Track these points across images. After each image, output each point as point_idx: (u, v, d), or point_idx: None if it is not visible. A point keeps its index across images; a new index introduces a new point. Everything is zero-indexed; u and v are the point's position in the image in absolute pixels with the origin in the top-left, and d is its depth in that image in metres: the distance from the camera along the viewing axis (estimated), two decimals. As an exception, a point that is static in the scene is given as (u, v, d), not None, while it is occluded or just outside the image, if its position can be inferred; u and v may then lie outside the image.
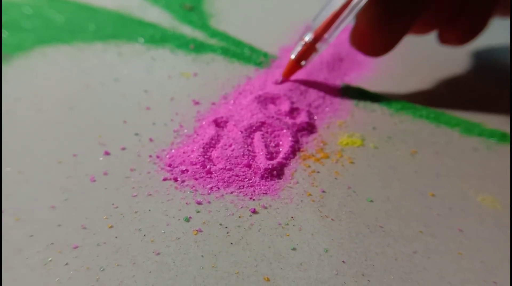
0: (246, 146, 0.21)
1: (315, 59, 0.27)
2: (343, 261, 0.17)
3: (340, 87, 0.28)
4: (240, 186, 0.20)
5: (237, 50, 0.31)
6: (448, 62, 0.33)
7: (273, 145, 0.22)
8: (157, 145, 0.21)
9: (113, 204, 0.18)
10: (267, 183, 0.20)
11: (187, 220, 0.18)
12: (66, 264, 0.16)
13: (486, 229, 0.19)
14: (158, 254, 0.16)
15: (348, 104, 0.27)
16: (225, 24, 0.34)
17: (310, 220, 0.19)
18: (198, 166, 0.20)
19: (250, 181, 0.20)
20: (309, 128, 0.24)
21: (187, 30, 0.33)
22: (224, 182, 0.20)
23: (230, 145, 0.21)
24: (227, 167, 0.20)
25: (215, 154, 0.21)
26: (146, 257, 0.16)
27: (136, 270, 0.16)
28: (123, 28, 0.32)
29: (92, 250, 0.16)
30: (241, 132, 0.22)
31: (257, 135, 0.22)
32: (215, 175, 0.20)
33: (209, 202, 0.19)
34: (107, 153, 0.21)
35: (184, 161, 0.21)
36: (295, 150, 0.22)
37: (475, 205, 0.21)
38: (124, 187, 0.19)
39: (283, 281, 0.16)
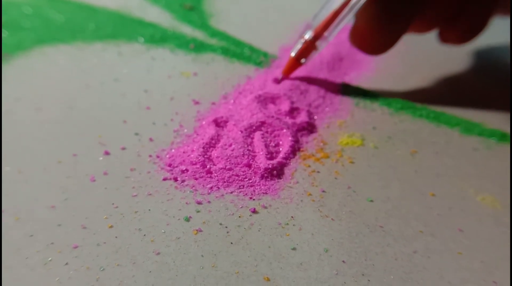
0: (246, 145, 0.21)
1: (315, 57, 0.27)
2: (343, 261, 0.17)
3: (340, 86, 0.28)
4: (240, 186, 0.20)
5: (237, 50, 0.31)
6: (448, 61, 0.33)
7: (273, 144, 0.22)
8: (157, 145, 0.21)
9: (113, 204, 0.18)
10: (267, 183, 0.20)
11: (187, 220, 0.18)
12: (66, 264, 0.16)
13: (486, 229, 0.19)
14: (158, 254, 0.16)
15: (348, 104, 0.27)
16: (225, 23, 0.34)
17: (310, 220, 0.19)
18: (198, 166, 0.20)
19: (250, 181, 0.20)
20: (309, 128, 0.24)
21: (187, 30, 0.33)
22: (224, 182, 0.20)
23: (230, 145, 0.21)
24: (227, 167, 0.20)
25: (215, 154, 0.21)
26: (146, 257, 0.16)
27: (136, 270, 0.16)
28: (123, 27, 0.32)
29: (92, 250, 0.16)
30: (241, 131, 0.22)
31: (257, 135, 0.22)
32: (215, 174, 0.20)
33: (209, 201, 0.19)
34: (107, 153, 0.21)
35: (184, 161, 0.21)
36: (295, 150, 0.22)
37: (475, 205, 0.21)
38: (124, 187, 0.19)
39: (283, 281, 0.16)
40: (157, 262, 0.16)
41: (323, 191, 0.20)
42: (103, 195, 0.19)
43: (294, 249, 0.17)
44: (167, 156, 0.21)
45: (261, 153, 0.21)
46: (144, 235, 0.17)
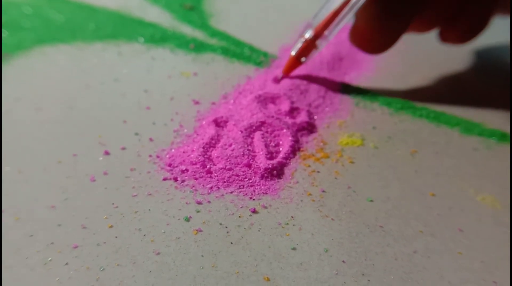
0: (246, 145, 0.21)
1: (315, 56, 0.27)
2: (343, 261, 0.17)
3: (340, 86, 0.28)
4: (240, 186, 0.20)
5: (237, 50, 0.31)
6: (448, 61, 0.33)
7: (273, 144, 0.22)
8: (157, 145, 0.21)
9: (113, 204, 0.18)
10: (267, 183, 0.20)
11: (187, 219, 0.18)
12: (66, 264, 0.16)
13: (486, 229, 0.19)
14: (158, 254, 0.16)
15: (348, 104, 0.27)
16: (225, 23, 0.34)
17: (310, 219, 0.19)
18: (198, 166, 0.20)
19: (250, 181, 0.20)
20: (309, 127, 0.24)
21: (187, 30, 0.33)
22: (224, 182, 0.20)
23: (230, 145, 0.21)
24: (227, 167, 0.20)
25: (215, 154, 0.21)
26: (146, 257, 0.16)
27: (136, 270, 0.16)
28: (123, 27, 0.32)
29: (92, 250, 0.16)
30: (241, 131, 0.22)
31: (257, 135, 0.22)
32: (215, 174, 0.20)
33: (209, 201, 0.19)
34: (107, 153, 0.21)
35: (184, 160, 0.21)
36: (295, 149, 0.22)
37: (475, 205, 0.21)
38: (124, 187, 0.19)
39: (283, 281, 0.16)
40: (157, 262, 0.16)
41: (323, 191, 0.20)
42: (103, 195, 0.19)
43: (294, 249, 0.17)
44: (167, 156, 0.21)
45: (261, 153, 0.21)
46: (144, 235, 0.17)
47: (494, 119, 0.27)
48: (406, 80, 0.30)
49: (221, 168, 0.20)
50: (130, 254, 0.16)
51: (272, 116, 0.23)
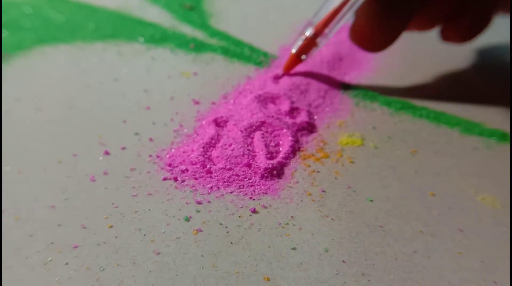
0: (246, 145, 0.21)
1: (315, 53, 0.27)
2: (343, 261, 0.17)
3: (340, 86, 0.28)
4: (240, 186, 0.20)
5: (237, 50, 0.31)
6: (447, 61, 0.33)
7: (273, 144, 0.22)
8: (157, 145, 0.21)
9: (113, 203, 0.18)
10: (267, 183, 0.20)
11: (187, 219, 0.18)
12: (66, 264, 0.16)
13: (486, 229, 0.19)
14: (158, 253, 0.16)
15: (348, 104, 0.27)
16: (225, 23, 0.34)
17: (310, 219, 0.19)
18: (198, 166, 0.20)
19: (250, 181, 0.20)
20: (309, 127, 0.24)
21: (187, 30, 0.33)
22: (224, 182, 0.20)
23: (230, 145, 0.21)
24: (227, 167, 0.20)
25: (215, 154, 0.21)
26: (146, 257, 0.16)
27: (136, 270, 0.16)
28: (123, 27, 0.32)
29: (92, 250, 0.16)
30: (241, 131, 0.22)
31: (257, 135, 0.22)
32: (215, 174, 0.20)
33: (209, 201, 0.19)
34: (107, 153, 0.21)
35: (184, 160, 0.21)
36: (295, 149, 0.22)
37: (475, 205, 0.21)
38: (124, 187, 0.19)
39: (283, 281, 0.16)
40: (157, 262, 0.16)
41: (323, 191, 0.20)
42: (103, 195, 0.19)
43: (294, 249, 0.17)
44: (167, 156, 0.21)
45: (261, 153, 0.21)
46: (144, 235, 0.17)
47: (494, 118, 0.27)
48: (406, 80, 0.30)
49: (221, 168, 0.20)
50: (130, 254, 0.16)
51: (272, 116, 0.23)
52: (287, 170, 0.21)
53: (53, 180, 0.19)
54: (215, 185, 0.20)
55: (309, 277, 0.16)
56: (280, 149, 0.22)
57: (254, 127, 0.23)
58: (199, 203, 0.19)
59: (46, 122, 0.22)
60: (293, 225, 0.18)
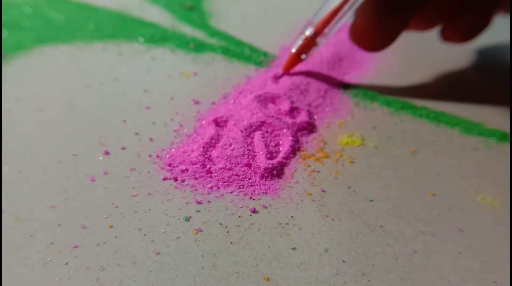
0: (246, 145, 0.21)
1: (315, 53, 0.27)
2: (343, 261, 0.17)
3: (340, 86, 0.28)
4: (240, 186, 0.20)
5: (237, 50, 0.31)
6: (447, 61, 0.33)
7: (273, 144, 0.22)
8: (157, 145, 0.21)
9: (113, 203, 0.18)
10: (267, 183, 0.20)
11: (187, 219, 0.18)
12: (66, 263, 0.16)
13: (486, 229, 0.19)
14: (158, 253, 0.16)
15: (348, 104, 0.27)
16: (225, 23, 0.34)
17: (310, 219, 0.19)
18: (198, 166, 0.20)
19: (250, 181, 0.20)
20: (309, 127, 0.24)
21: (187, 30, 0.33)
22: (224, 182, 0.20)
23: (230, 145, 0.21)
24: (227, 167, 0.20)
25: (215, 154, 0.21)
26: (146, 256, 0.16)
27: (136, 270, 0.16)
28: (123, 27, 0.32)
29: (92, 249, 0.16)
30: (241, 131, 0.22)
31: (257, 135, 0.22)
32: (215, 174, 0.20)
33: (209, 201, 0.19)
34: (107, 153, 0.21)
35: (184, 160, 0.21)
36: (295, 149, 0.22)
37: (475, 205, 0.21)
38: (124, 186, 0.19)
39: (283, 281, 0.16)
40: (157, 262, 0.16)
41: (323, 191, 0.20)
42: (103, 195, 0.19)
43: (294, 249, 0.17)
44: (167, 156, 0.21)
45: (261, 152, 0.21)
46: (144, 235, 0.17)
47: (494, 118, 0.27)
48: (406, 79, 0.30)
49: (221, 168, 0.20)
50: (130, 254, 0.16)
51: (272, 116, 0.23)
52: (287, 170, 0.21)
53: (53, 180, 0.19)
54: (215, 185, 0.20)
55: (309, 277, 0.16)
56: (280, 149, 0.22)
57: (254, 127, 0.23)
58: (199, 203, 0.19)
59: (46, 122, 0.22)
60: (293, 225, 0.18)
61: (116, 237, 0.17)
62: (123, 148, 0.21)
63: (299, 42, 0.26)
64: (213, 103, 0.25)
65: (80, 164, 0.20)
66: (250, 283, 0.16)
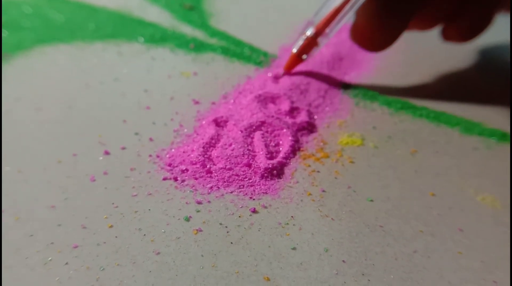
0: (246, 145, 0.21)
1: (316, 53, 0.27)
2: (343, 261, 0.17)
3: (340, 86, 0.28)
4: (240, 186, 0.20)
5: (237, 50, 0.31)
6: (447, 60, 0.33)
7: (273, 144, 0.22)
8: (157, 145, 0.21)
9: (113, 203, 0.18)
10: (267, 183, 0.20)
11: (187, 219, 0.18)
12: (66, 263, 0.16)
13: (486, 229, 0.19)
14: (158, 253, 0.16)
15: (348, 104, 0.27)
16: (225, 23, 0.34)
17: (310, 219, 0.19)
18: (198, 166, 0.20)
19: (250, 181, 0.20)
20: (309, 127, 0.24)
21: (187, 30, 0.33)
22: (224, 182, 0.20)
23: (230, 145, 0.21)
24: (227, 167, 0.20)
25: (215, 154, 0.21)
26: (146, 256, 0.16)
27: (136, 270, 0.16)
28: (123, 27, 0.32)
29: (92, 249, 0.16)
30: (241, 131, 0.22)
31: (257, 135, 0.22)
32: (215, 174, 0.20)
33: (209, 201, 0.19)
34: (107, 153, 0.21)
35: (184, 160, 0.21)
36: (295, 149, 0.22)
37: (475, 205, 0.21)
38: (124, 186, 0.19)
39: (283, 281, 0.16)
40: (157, 262, 0.16)
41: (323, 191, 0.20)
42: (103, 195, 0.19)
43: (294, 249, 0.17)
44: (167, 156, 0.21)
45: (261, 152, 0.21)
46: (144, 235, 0.17)
47: (494, 118, 0.27)
48: (406, 80, 0.30)
49: (221, 168, 0.20)
50: (130, 254, 0.16)
51: (272, 116, 0.23)
52: (287, 170, 0.21)
53: (53, 180, 0.19)
54: (215, 185, 0.20)
55: (309, 277, 0.16)
56: (280, 149, 0.22)
57: (254, 127, 0.23)
58: (199, 203, 0.19)
59: (46, 122, 0.22)
60: (293, 225, 0.18)
61: (116, 237, 0.17)
62: (123, 148, 0.21)
63: (300, 42, 0.26)
64: (213, 103, 0.25)
65: (80, 164, 0.20)
66: (250, 283, 0.16)
